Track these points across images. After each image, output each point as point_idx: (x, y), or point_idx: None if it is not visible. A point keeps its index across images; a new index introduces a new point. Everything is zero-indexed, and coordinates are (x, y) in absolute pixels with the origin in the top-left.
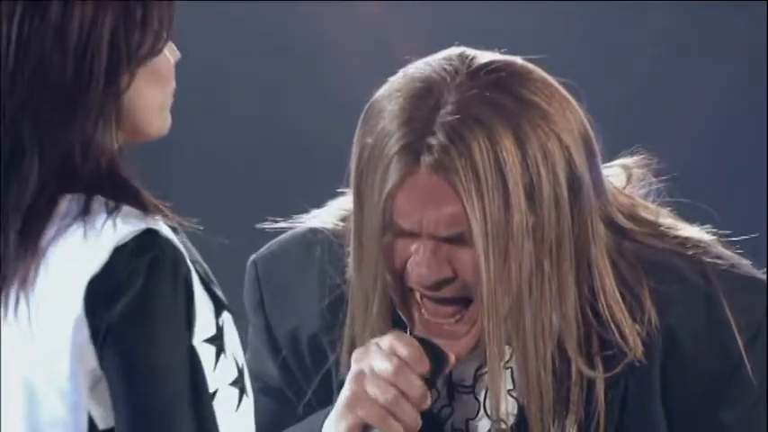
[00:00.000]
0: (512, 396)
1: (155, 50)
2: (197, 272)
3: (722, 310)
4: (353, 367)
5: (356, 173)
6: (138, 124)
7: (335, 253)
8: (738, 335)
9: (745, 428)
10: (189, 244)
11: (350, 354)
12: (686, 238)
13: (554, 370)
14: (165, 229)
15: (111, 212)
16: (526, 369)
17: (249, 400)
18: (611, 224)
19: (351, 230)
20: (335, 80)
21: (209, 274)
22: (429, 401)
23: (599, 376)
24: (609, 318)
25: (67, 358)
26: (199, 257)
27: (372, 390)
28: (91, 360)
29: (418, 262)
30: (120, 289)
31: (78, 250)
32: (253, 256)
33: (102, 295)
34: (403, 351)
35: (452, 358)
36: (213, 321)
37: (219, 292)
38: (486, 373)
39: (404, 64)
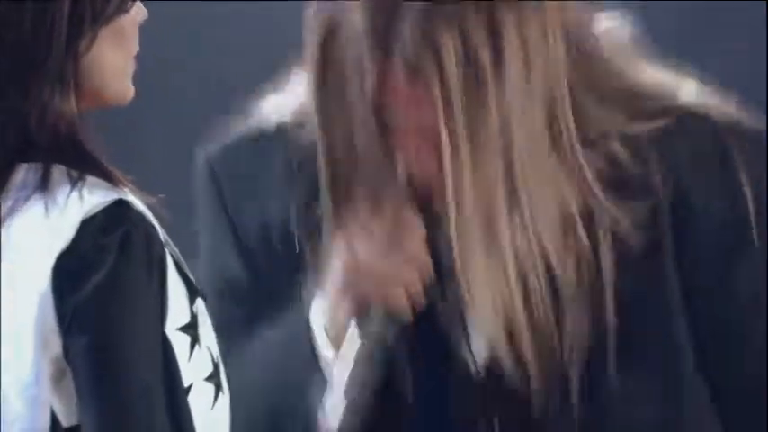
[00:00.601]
0: None
1: (121, 8)
2: (170, 252)
3: (734, 161)
4: (341, 243)
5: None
6: (98, 89)
7: (296, 139)
8: (749, 194)
9: (754, 284)
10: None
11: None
12: (689, 96)
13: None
14: (136, 202)
15: (76, 183)
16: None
17: (225, 397)
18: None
19: (314, 104)
20: None
21: (179, 255)
22: (430, 267)
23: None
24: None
25: (30, 344)
26: (168, 238)
27: (372, 264)
28: (55, 346)
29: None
30: (90, 267)
31: (41, 224)
32: (202, 153)
33: (70, 273)
34: (395, 212)
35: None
36: (188, 308)
37: (192, 277)
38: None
39: None
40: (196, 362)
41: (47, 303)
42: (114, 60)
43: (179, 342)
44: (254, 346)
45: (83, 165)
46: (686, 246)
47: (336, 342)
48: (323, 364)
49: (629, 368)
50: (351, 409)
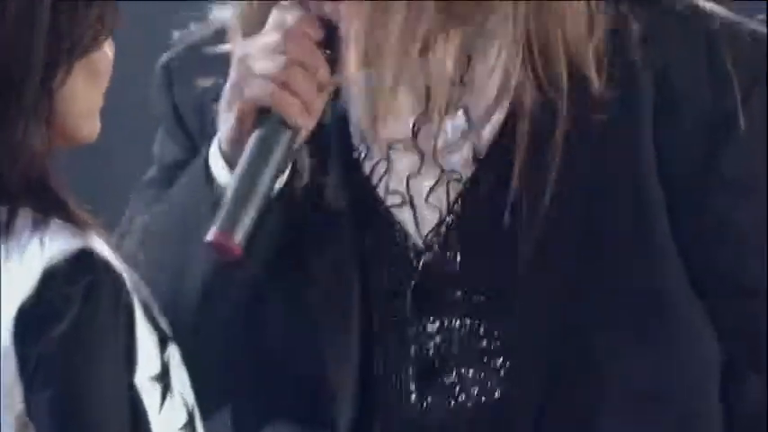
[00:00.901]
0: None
1: (97, 42)
2: (138, 299)
3: (720, 48)
4: (237, 52)
5: None
6: (67, 128)
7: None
8: (736, 82)
9: (739, 169)
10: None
11: None
12: None
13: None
14: (101, 249)
15: (38, 227)
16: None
17: None
18: None
19: None
20: None
21: (151, 300)
22: (326, 73)
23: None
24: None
25: None
26: (138, 280)
27: (259, 64)
28: (18, 402)
29: None
30: (53, 317)
31: (3, 271)
32: (163, 60)
33: (32, 324)
34: (290, 17)
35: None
36: (158, 356)
37: (163, 323)
38: (425, 122)
39: None
40: (168, 412)
41: (9, 353)
42: (87, 97)
43: (149, 393)
44: (161, 198)
45: (49, 207)
46: (668, 130)
47: (231, 155)
48: (219, 191)
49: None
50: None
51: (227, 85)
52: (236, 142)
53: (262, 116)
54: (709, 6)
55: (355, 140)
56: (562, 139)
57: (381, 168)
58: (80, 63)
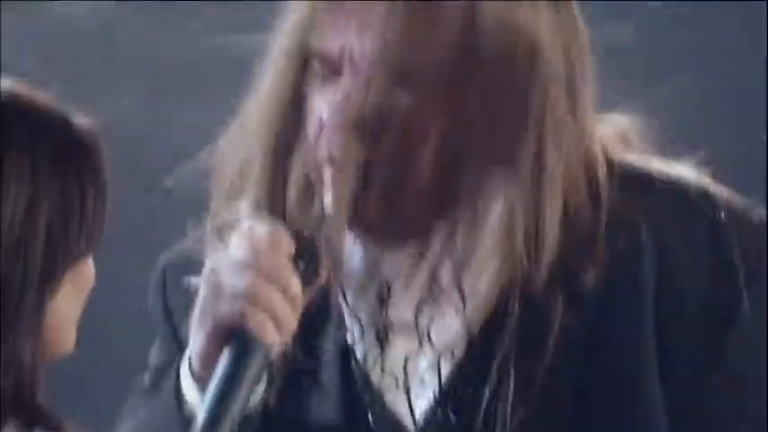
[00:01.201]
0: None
1: (89, 249)
2: None
3: (727, 236)
4: (207, 266)
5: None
6: (52, 339)
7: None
8: (739, 267)
9: (743, 359)
10: None
11: None
12: (688, 172)
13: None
14: None
15: None
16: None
17: None
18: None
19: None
20: None
21: None
22: (298, 288)
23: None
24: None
25: None
26: None
27: (228, 281)
28: None
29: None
30: None
31: None
32: (159, 263)
33: None
34: (259, 230)
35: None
36: None
37: None
38: (426, 301)
39: None
40: None
41: None
42: (70, 308)
43: None
44: (138, 412)
45: (35, 423)
46: (670, 317)
47: (201, 373)
48: (189, 412)
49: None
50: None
51: (197, 302)
52: (207, 360)
53: (232, 334)
54: (719, 193)
55: (348, 323)
56: (557, 322)
57: (375, 352)
58: (71, 272)
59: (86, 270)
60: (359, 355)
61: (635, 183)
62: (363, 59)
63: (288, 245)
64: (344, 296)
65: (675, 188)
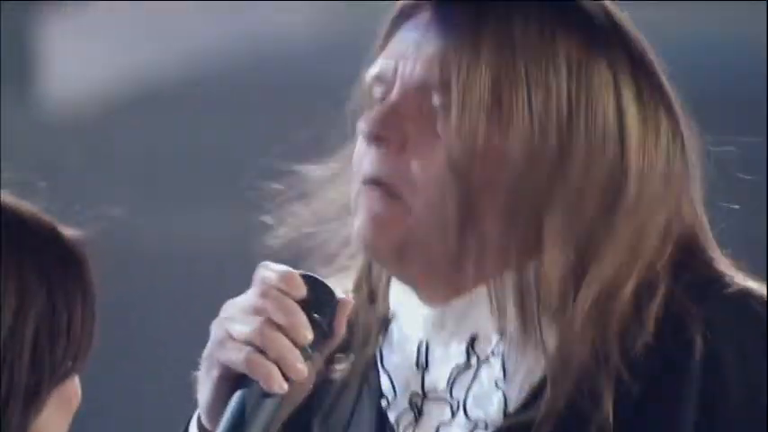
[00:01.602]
0: (498, 387)
1: (76, 368)
2: None
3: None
4: (221, 314)
5: None
6: None
7: None
8: None
9: None
10: None
11: None
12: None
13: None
14: None
15: None
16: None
17: None
18: (685, 236)
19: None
20: None
21: None
22: (310, 337)
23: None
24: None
25: None
26: None
27: (235, 327)
28: None
29: (371, 112)
30: None
31: None
32: None
33: None
34: (270, 274)
35: (344, 297)
36: None
37: None
38: (463, 372)
39: None
40: None
41: None
42: (56, 428)
43: None
44: None
45: None
46: (710, 419)
47: (210, 426)
48: None
49: None
50: None
51: (205, 350)
52: (214, 412)
53: (239, 383)
54: (761, 293)
55: (384, 387)
56: (599, 406)
57: (408, 418)
58: (56, 391)
59: (72, 389)
60: (392, 419)
61: (697, 284)
62: (411, 76)
63: (298, 288)
64: (381, 357)
65: (736, 296)
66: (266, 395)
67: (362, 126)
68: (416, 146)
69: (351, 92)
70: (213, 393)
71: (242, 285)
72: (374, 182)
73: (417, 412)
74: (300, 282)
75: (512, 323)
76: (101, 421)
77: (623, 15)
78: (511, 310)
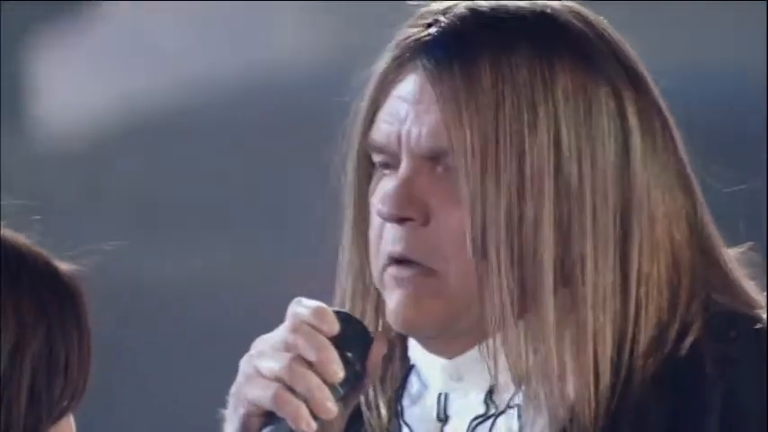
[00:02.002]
0: None
1: (72, 407)
2: None
3: None
4: (251, 350)
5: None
6: None
7: None
8: None
9: None
10: None
11: None
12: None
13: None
14: None
15: None
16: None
17: None
18: (704, 250)
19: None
20: None
21: None
22: (341, 374)
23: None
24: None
25: None
26: None
27: (264, 363)
28: None
29: (387, 190)
30: None
31: None
32: None
33: None
34: (302, 310)
35: (378, 339)
36: None
37: None
38: (482, 423)
39: None
40: None
41: None
42: None
43: None
44: None
45: None
46: None
47: None
48: None
49: None
50: None
51: (233, 387)
52: None
53: (267, 421)
54: None
55: None
56: None
57: None
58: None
59: (68, 427)
60: None
61: (722, 321)
62: (419, 145)
63: (331, 324)
64: (402, 410)
65: (758, 333)
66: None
67: (380, 206)
68: (439, 218)
69: (341, 121)
70: (240, 431)
71: (238, 315)
72: (403, 261)
73: None
74: (333, 318)
75: (529, 372)
76: None
77: (608, 29)
78: (528, 359)
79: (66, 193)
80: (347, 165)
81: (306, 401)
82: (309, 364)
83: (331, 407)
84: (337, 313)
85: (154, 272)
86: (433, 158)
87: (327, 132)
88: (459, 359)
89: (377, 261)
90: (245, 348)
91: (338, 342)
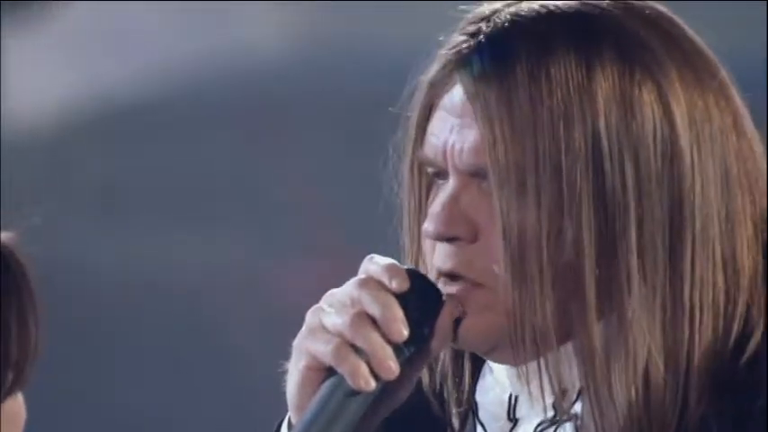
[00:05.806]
0: None
1: (17, 385)
2: None
3: None
4: (318, 304)
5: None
6: None
7: None
8: None
9: None
10: None
11: None
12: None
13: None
14: None
15: None
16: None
17: None
18: None
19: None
20: None
21: None
22: (405, 333)
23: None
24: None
25: None
26: None
27: (328, 317)
28: None
29: (433, 209)
30: None
31: None
32: None
33: None
34: (373, 266)
35: (452, 298)
36: None
37: None
38: (548, 427)
39: None
40: None
41: None
42: None
43: None
44: None
45: None
46: None
47: (298, 411)
48: None
49: None
50: None
51: (296, 339)
52: (301, 404)
53: (327, 376)
54: None
55: None
56: None
57: None
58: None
59: (16, 407)
60: None
61: None
62: (462, 161)
63: (400, 282)
64: (476, 406)
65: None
66: (353, 392)
67: (426, 226)
68: (486, 235)
69: (321, 108)
70: (300, 384)
71: (211, 309)
72: (453, 276)
73: None
74: (404, 275)
75: (594, 379)
76: None
77: (666, 22)
78: (598, 365)
79: (29, 182)
80: (402, 175)
81: (367, 359)
82: (374, 322)
83: (393, 366)
84: (409, 272)
85: (123, 266)
86: (477, 174)
87: (302, 121)
88: (524, 368)
89: (431, 274)
90: (225, 344)
91: (406, 301)
